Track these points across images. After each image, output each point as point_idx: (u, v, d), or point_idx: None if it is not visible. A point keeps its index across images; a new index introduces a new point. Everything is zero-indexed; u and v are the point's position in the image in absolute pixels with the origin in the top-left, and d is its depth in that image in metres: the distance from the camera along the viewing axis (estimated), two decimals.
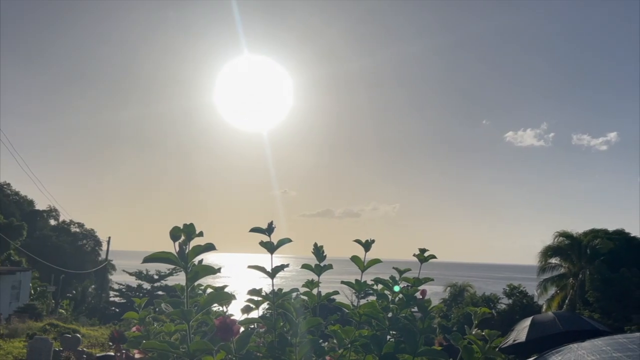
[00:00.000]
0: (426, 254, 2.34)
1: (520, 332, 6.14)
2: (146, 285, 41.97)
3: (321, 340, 1.95)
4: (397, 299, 2.00)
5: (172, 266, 1.59)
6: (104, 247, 51.96)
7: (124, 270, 45.13)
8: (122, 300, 43.35)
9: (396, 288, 2.02)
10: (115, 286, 45.58)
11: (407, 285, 2.08)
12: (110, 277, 54.08)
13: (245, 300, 2.15)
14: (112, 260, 52.87)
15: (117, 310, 41.68)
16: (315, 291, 2.23)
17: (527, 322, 6.21)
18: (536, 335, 5.96)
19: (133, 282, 43.42)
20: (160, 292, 40.36)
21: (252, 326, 2.22)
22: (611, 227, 35.23)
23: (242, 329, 1.71)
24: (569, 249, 34.18)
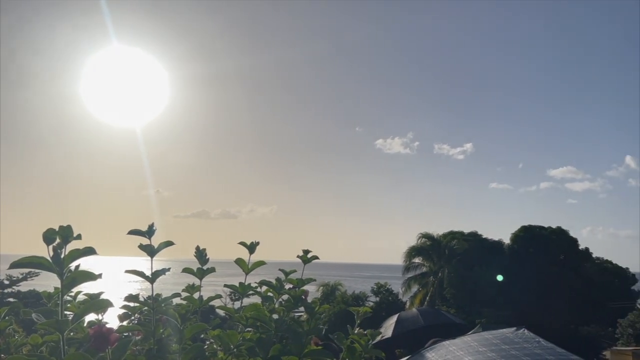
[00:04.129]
0: (309, 255, 2.37)
1: (387, 328, 6.51)
2: None
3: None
4: (284, 300, 2.01)
5: (27, 270, 1.43)
6: None
7: None
8: None
9: None
10: None
11: (293, 287, 2.09)
12: None
13: (120, 306, 2.01)
14: None
15: None
16: (196, 295, 2.16)
17: (394, 319, 6.65)
18: (402, 330, 6.37)
19: None
20: (10, 299, 36.37)
21: (127, 334, 2.09)
22: (467, 229, 38.63)
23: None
24: (430, 249, 36.90)
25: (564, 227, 36.04)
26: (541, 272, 33.58)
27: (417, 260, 37.80)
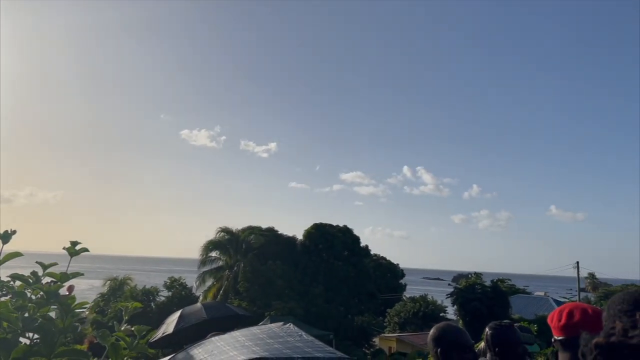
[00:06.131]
0: (78, 247, 2.19)
1: (170, 324, 6.38)
2: None
3: None
4: (36, 296, 1.82)
5: None
6: None
7: None
8: None
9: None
10: None
11: (51, 281, 1.91)
12: None
13: None
14: None
15: None
16: None
17: (177, 314, 6.54)
18: (184, 325, 6.28)
19: None
20: None
21: None
22: (265, 225, 39.82)
23: None
24: (228, 243, 37.19)
25: (349, 226, 39.51)
26: (328, 267, 36.37)
27: (214, 254, 37.74)
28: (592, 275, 64.10)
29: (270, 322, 11.78)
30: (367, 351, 36.81)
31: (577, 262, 41.48)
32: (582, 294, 46.33)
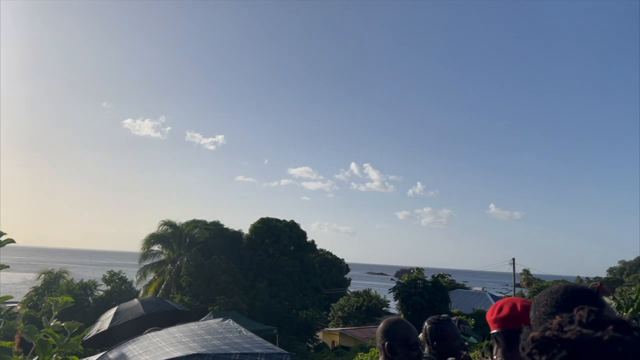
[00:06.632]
0: (3, 238, 2.05)
1: (105, 321, 6.14)
2: None
3: None
4: None
5: None
6: None
7: None
8: None
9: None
10: None
11: None
12: None
13: None
14: None
15: None
16: None
17: (113, 311, 6.30)
18: (120, 321, 6.06)
19: None
20: None
21: None
22: (210, 219, 39.27)
23: None
24: (171, 237, 36.36)
25: (296, 221, 39.56)
26: (273, 261, 36.25)
27: (156, 247, 36.81)
28: (526, 272, 67.17)
29: (213, 318, 11.62)
30: (310, 345, 37.02)
31: (513, 259, 43.31)
32: (517, 289, 48.42)
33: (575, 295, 1.39)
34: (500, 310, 2.04)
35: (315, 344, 37.25)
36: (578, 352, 0.74)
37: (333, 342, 37.79)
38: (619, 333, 0.74)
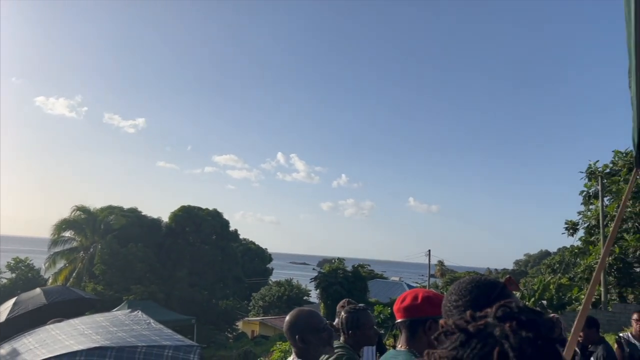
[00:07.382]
0: None
1: (2, 312, 5.69)
2: None
3: None
4: None
5: None
6: None
7: None
8: None
9: None
10: None
11: None
12: None
13: None
14: None
15: None
16: None
17: (12, 301, 5.84)
18: (19, 312, 5.64)
19: None
20: None
21: None
22: (128, 205, 37.72)
23: None
24: (85, 223, 34.58)
25: (220, 210, 38.87)
26: (194, 250, 35.45)
27: (68, 234, 34.88)
28: (441, 263, 70.36)
29: (128, 307, 11.15)
30: (229, 335, 36.70)
31: (429, 250, 45.10)
32: (432, 280, 50.55)
33: (482, 287, 1.43)
34: (403, 300, 2.13)
35: (234, 333, 36.99)
36: (470, 339, 0.77)
37: (253, 331, 37.70)
38: (513, 329, 0.76)
